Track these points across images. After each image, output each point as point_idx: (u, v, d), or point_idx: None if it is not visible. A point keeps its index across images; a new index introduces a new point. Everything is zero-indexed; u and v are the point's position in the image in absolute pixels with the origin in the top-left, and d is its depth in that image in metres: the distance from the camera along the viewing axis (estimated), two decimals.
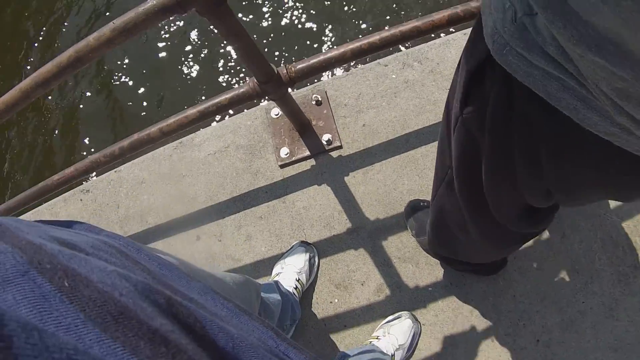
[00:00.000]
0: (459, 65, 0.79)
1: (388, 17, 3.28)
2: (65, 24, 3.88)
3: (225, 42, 3.29)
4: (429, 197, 1.72)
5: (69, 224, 0.47)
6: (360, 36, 3.14)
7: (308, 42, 3.32)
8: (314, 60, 1.52)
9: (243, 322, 0.50)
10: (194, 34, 3.54)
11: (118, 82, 3.56)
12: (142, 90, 3.49)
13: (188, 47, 3.51)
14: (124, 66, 3.60)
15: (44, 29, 3.88)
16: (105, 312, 0.27)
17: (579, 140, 0.59)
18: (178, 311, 0.35)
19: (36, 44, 3.85)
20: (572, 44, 0.46)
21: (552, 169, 0.67)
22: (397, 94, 1.91)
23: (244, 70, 3.35)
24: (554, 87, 0.54)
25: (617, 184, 0.68)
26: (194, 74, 3.44)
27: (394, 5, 3.30)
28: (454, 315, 1.62)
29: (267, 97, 1.58)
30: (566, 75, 0.51)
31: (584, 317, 1.57)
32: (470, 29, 0.73)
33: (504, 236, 1.06)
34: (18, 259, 0.27)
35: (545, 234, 1.65)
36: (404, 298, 1.66)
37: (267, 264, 1.78)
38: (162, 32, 3.59)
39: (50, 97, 3.64)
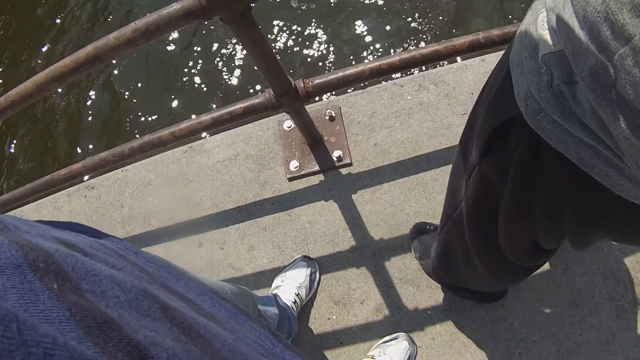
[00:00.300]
0: (477, 105, 0.79)
1: (409, 38, 3.28)
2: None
3: (244, 51, 3.32)
4: (435, 221, 1.71)
5: (68, 225, 0.47)
6: (369, 55, 3.15)
7: (325, 58, 3.32)
8: (332, 76, 1.52)
9: (240, 323, 0.50)
10: (210, 42, 3.55)
11: (129, 85, 3.57)
12: (154, 94, 3.50)
13: (205, 54, 3.52)
14: (136, 68, 3.61)
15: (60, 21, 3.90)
16: (89, 317, 0.27)
17: (606, 203, 0.59)
18: (173, 316, 0.35)
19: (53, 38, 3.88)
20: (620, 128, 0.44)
21: (574, 225, 0.67)
22: (411, 116, 1.91)
23: (251, 81, 3.36)
24: (587, 155, 0.53)
25: (637, 236, 0.68)
26: (207, 81, 3.44)
27: (413, 26, 3.31)
28: (451, 340, 1.60)
29: (281, 110, 1.58)
30: (602, 146, 0.50)
31: (580, 350, 1.55)
32: (498, 60, 0.72)
33: (509, 270, 1.07)
34: (13, 252, 0.28)
35: (548, 266, 1.64)
36: (402, 319, 1.64)
37: (267, 276, 1.77)
38: (179, 37, 3.60)
39: (60, 92, 3.65)
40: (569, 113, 0.51)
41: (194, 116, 1.63)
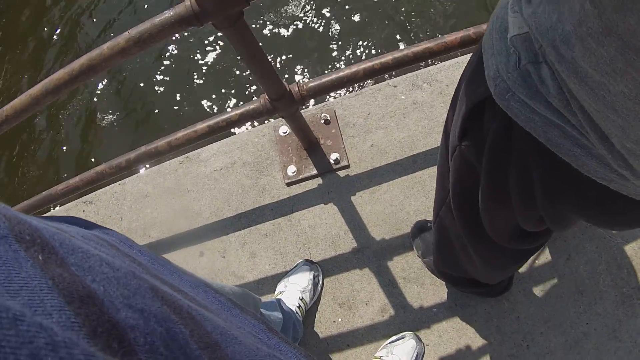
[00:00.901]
0: (457, 90, 0.80)
1: (398, 37, 3.30)
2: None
3: (238, 56, 3.32)
4: None
5: (62, 219, 0.46)
6: (362, 56, 3.16)
7: (318, 61, 3.34)
8: (325, 78, 1.52)
9: (234, 315, 0.50)
10: (203, 47, 3.55)
11: (123, 95, 3.57)
12: (150, 102, 3.49)
13: (198, 60, 3.53)
14: (132, 78, 3.61)
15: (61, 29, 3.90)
16: (72, 289, 0.26)
17: (576, 185, 0.60)
18: (164, 296, 0.35)
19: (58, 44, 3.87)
20: (591, 100, 0.45)
21: (546, 206, 0.69)
22: (406, 115, 1.91)
23: (246, 86, 3.36)
24: (554, 134, 0.54)
25: (608, 220, 0.70)
26: (202, 88, 3.44)
27: (406, 26, 3.32)
28: (457, 336, 1.60)
29: (277, 114, 1.58)
30: (568, 125, 0.51)
31: (588, 339, 1.55)
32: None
33: (502, 255, 1.08)
34: (0, 224, 0.27)
35: (550, 256, 1.64)
36: (408, 318, 1.64)
37: (270, 282, 1.76)
38: (173, 43, 3.61)
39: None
40: (535, 92, 0.52)
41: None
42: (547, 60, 0.48)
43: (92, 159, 3.41)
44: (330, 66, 3.29)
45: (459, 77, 1.88)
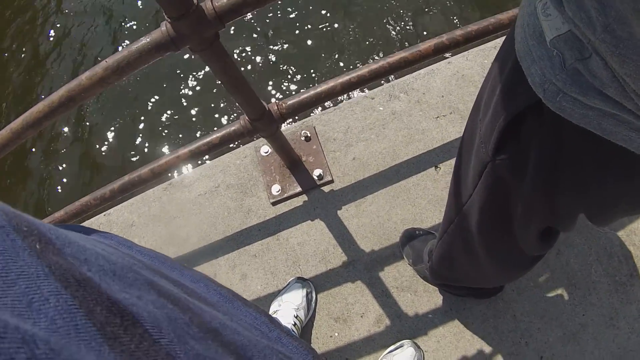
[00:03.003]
0: (478, 104, 0.80)
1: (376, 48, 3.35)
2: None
3: (217, 79, 3.33)
4: (423, 225, 1.73)
5: (61, 226, 0.46)
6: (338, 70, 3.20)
7: (294, 78, 3.37)
8: (304, 95, 1.54)
9: (236, 307, 0.50)
10: (182, 71, 3.56)
11: (101, 122, 3.55)
12: (125, 130, 3.48)
13: (179, 85, 3.53)
14: (108, 104, 3.60)
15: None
16: (69, 274, 0.27)
17: (631, 168, 0.61)
18: (160, 289, 0.35)
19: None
20: None
21: (600, 190, 0.69)
22: (385, 126, 1.93)
23: (227, 107, 3.37)
24: (609, 123, 0.54)
25: None
26: (182, 112, 3.45)
27: (378, 39, 3.37)
28: (455, 340, 1.60)
29: (258, 134, 1.59)
30: (623, 112, 0.52)
31: (585, 329, 1.57)
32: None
33: (517, 262, 1.10)
34: None
35: None
36: (404, 327, 1.64)
37: (263, 302, 1.75)
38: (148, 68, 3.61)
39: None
40: (588, 87, 0.53)
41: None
42: (597, 51, 0.49)
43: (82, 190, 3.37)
44: (309, 83, 3.33)
45: (434, 84, 1.92)
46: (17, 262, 0.25)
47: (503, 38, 0.75)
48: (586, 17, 0.47)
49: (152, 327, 0.29)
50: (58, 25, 4.04)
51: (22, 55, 3.98)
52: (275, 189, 1.90)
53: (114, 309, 0.27)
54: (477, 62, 1.99)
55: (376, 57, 3.28)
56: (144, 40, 1.07)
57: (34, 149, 3.60)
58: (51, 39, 3.99)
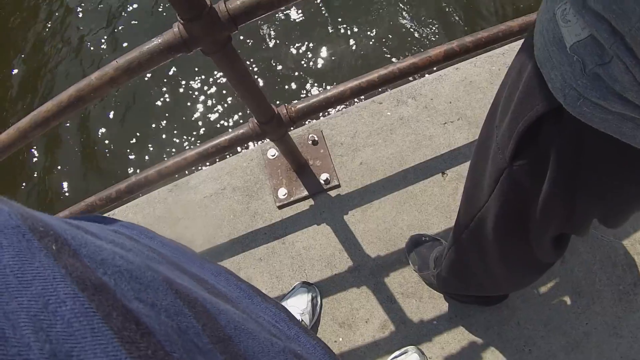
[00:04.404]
0: (494, 111, 0.80)
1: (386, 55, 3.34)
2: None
3: (227, 81, 3.33)
4: (430, 231, 1.73)
5: (82, 218, 0.46)
6: (349, 75, 3.20)
7: (304, 82, 3.37)
8: (313, 100, 1.53)
9: (255, 304, 0.50)
10: (189, 73, 3.56)
11: (108, 123, 3.55)
12: (133, 130, 3.48)
13: (186, 86, 3.53)
14: (116, 104, 3.60)
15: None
16: (85, 277, 0.27)
17: None
18: (178, 289, 0.35)
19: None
20: None
21: (619, 193, 0.69)
22: (393, 131, 1.93)
23: (232, 110, 3.37)
24: (628, 127, 0.55)
25: None
26: (190, 114, 3.44)
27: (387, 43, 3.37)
28: (460, 346, 1.60)
29: (266, 137, 1.58)
30: None
31: (589, 338, 1.57)
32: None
33: (530, 269, 1.09)
34: (12, 216, 0.27)
35: None
36: (409, 333, 1.63)
37: None
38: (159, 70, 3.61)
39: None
40: (609, 92, 0.53)
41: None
42: (618, 55, 0.49)
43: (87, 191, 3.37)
44: (319, 87, 3.33)
45: (442, 90, 1.92)
46: (33, 263, 0.25)
47: (511, 45, 0.75)
48: (619, 9, 0.47)
49: (164, 340, 0.29)
50: (59, 23, 4.04)
51: (22, 55, 3.98)
52: (282, 192, 1.90)
53: (129, 316, 0.27)
54: (485, 68, 1.99)
55: (387, 62, 3.28)
56: (156, 41, 1.07)
57: (34, 148, 3.60)
58: (51, 37, 3.99)
